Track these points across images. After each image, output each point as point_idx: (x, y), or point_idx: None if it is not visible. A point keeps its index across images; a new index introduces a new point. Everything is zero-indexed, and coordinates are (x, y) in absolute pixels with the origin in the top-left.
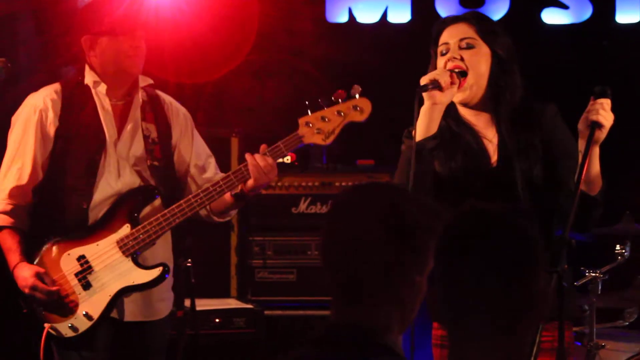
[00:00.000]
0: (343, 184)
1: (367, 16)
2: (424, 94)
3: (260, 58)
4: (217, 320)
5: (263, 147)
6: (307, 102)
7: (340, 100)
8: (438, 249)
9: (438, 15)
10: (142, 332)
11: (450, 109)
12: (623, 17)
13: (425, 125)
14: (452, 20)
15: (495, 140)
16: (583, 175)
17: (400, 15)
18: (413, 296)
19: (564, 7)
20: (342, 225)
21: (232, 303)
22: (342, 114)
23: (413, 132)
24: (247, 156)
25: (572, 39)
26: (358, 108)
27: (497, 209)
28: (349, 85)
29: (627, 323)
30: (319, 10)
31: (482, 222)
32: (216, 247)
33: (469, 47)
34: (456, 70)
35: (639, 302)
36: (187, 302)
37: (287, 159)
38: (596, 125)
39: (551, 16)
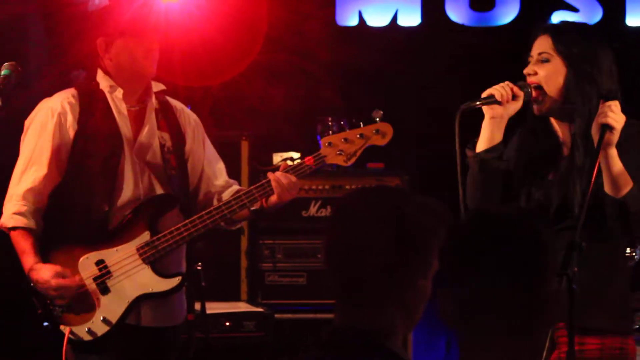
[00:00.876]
0: (353, 187)
1: (377, 19)
2: (484, 108)
3: (270, 61)
4: (227, 323)
5: (284, 164)
6: (330, 122)
7: (362, 123)
8: (449, 250)
9: (448, 19)
10: (159, 338)
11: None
12: (633, 19)
13: (486, 137)
14: (541, 30)
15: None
16: (593, 179)
17: (411, 18)
18: (417, 299)
19: (574, 10)
20: (345, 228)
21: (242, 306)
22: (364, 136)
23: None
24: (269, 174)
25: None
26: (380, 132)
27: (508, 211)
28: (365, 89)
29: (638, 326)
30: (329, 13)
31: (494, 224)
32: (226, 250)
33: (545, 61)
34: (532, 85)
35: None
36: (198, 306)
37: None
38: (607, 128)
39: (561, 19)
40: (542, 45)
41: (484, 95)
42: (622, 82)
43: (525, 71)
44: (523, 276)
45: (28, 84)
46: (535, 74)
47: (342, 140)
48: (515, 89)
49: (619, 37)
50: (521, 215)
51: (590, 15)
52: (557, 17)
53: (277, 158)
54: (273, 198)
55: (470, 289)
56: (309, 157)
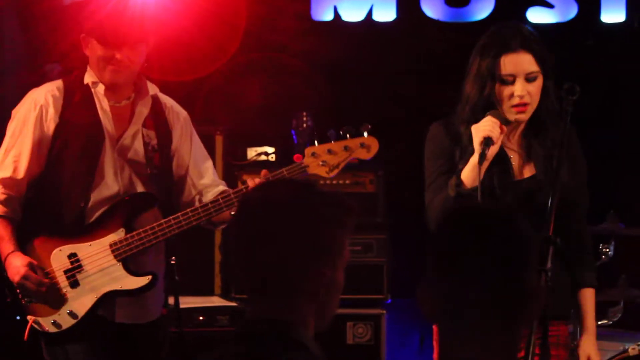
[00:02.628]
0: (327, 182)
1: (353, 14)
2: (476, 147)
3: (244, 55)
4: (200, 318)
5: (264, 172)
6: (315, 133)
7: (348, 135)
8: (432, 245)
9: (423, 14)
10: (134, 334)
11: None
12: (608, 16)
13: (475, 177)
14: (515, 47)
15: (520, 151)
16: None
17: (386, 14)
18: (327, 290)
19: (549, 6)
20: (245, 221)
21: (215, 301)
22: (348, 149)
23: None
24: (249, 180)
25: (557, 38)
26: (365, 145)
27: (490, 207)
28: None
29: (611, 322)
30: (304, 9)
31: (476, 219)
32: (200, 245)
33: (533, 79)
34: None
35: (623, 301)
36: (171, 300)
37: (272, 157)
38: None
39: (536, 15)
40: (528, 64)
41: (480, 137)
42: (597, 78)
43: (517, 93)
44: (505, 271)
45: (3, 78)
46: (527, 94)
47: (327, 151)
48: (503, 128)
49: (594, 34)
50: (502, 210)
51: (565, 11)
52: (532, 14)
53: (252, 152)
54: None
55: (451, 284)
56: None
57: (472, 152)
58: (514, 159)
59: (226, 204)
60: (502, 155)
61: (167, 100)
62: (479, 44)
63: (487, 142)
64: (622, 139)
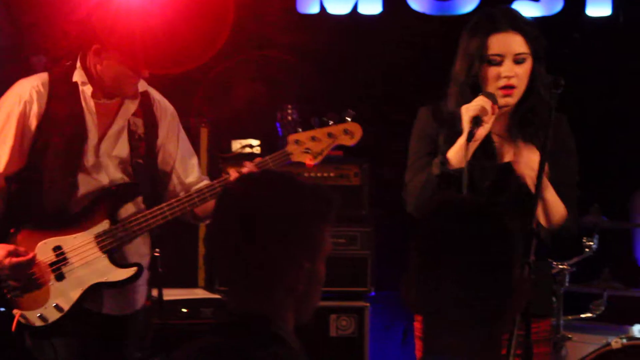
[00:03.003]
0: (311, 175)
1: (338, 7)
2: (465, 126)
3: (230, 48)
4: (184, 310)
5: (247, 163)
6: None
7: (331, 122)
8: (417, 237)
9: (409, 7)
10: (121, 324)
11: None
12: (593, 10)
13: (461, 157)
14: (504, 27)
15: (504, 135)
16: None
17: (371, 6)
18: (306, 283)
19: None
20: (224, 213)
21: (199, 293)
22: (332, 136)
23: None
24: (231, 170)
25: (543, 31)
26: (348, 132)
27: (475, 200)
28: (325, 77)
29: (594, 315)
30: (290, 2)
31: (462, 212)
32: (184, 237)
33: (521, 61)
34: (503, 95)
35: (606, 294)
36: (155, 292)
37: (257, 150)
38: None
39: (522, 9)
40: (517, 45)
41: (470, 114)
42: (583, 71)
43: (504, 74)
44: (490, 264)
45: None
46: (514, 75)
47: (310, 138)
48: (494, 107)
49: (579, 27)
50: (488, 203)
51: (551, 5)
52: (517, 6)
53: (236, 145)
54: None
55: (436, 276)
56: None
57: (458, 133)
58: (498, 142)
59: (210, 193)
60: (486, 138)
61: (155, 95)
62: (469, 24)
63: (476, 121)
64: (606, 132)
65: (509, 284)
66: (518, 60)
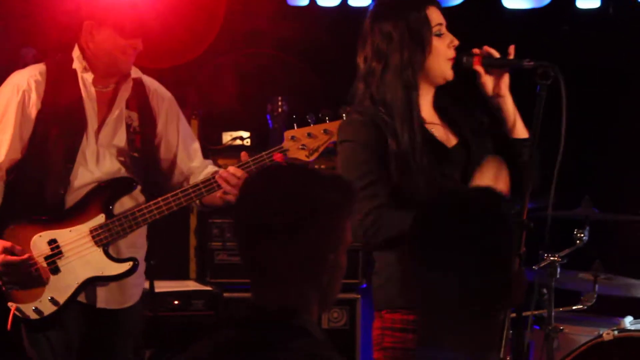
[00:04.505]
0: (315, 167)
1: None
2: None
3: (220, 40)
4: (175, 302)
5: (244, 154)
6: (294, 116)
7: (327, 118)
8: (415, 232)
9: None
10: (116, 318)
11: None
12: (583, 2)
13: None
14: (430, 2)
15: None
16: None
17: None
18: (330, 275)
19: None
20: (246, 207)
21: (191, 285)
22: (328, 132)
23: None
24: (221, 172)
25: (532, 23)
26: None
27: (473, 191)
28: (315, 68)
29: (585, 307)
30: None
31: (460, 203)
32: (175, 229)
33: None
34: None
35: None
36: (146, 284)
37: (247, 142)
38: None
39: (512, 1)
40: (441, 17)
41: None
42: (572, 64)
43: (451, 41)
44: (489, 256)
45: None
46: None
47: (306, 135)
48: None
49: (569, 20)
50: (486, 195)
51: None
52: (507, 0)
53: (227, 137)
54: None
55: (435, 270)
56: (277, 154)
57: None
58: (437, 130)
59: (206, 189)
60: (429, 137)
61: (151, 84)
62: (382, 11)
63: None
64: (596, 124)
65: (507, 277)
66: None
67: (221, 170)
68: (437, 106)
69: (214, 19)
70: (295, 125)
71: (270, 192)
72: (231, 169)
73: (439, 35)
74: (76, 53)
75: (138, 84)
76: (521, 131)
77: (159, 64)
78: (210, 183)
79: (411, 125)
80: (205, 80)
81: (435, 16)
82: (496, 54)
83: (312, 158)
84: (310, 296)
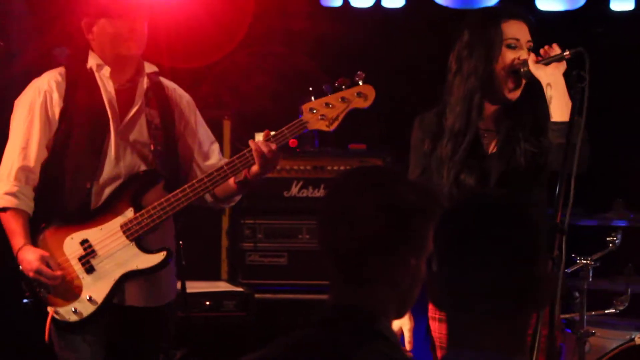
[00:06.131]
0: (335, 168)
1: (362, 0)
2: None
3: (253, 40)
4: (207, 303)
5: (266, 132)
6: (310, 89)
7: (344, 87)
8: (441, 232)
9: (432, 1)
10: (146, 317)
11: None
12: (618, 4)
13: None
14: (517, 15)
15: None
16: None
17: (395, 0)
18: (410, 279)
19: None
20: (336, 206)
21: (222, 286)
22: (346, 100)
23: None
24: (250, 142)
25: (566, 25)
26: (362, 94)
27: (501, 194)
28: (349, 70)
29: (617, 311)
30: None
31: (488, 205)
32: (207, 229)
33: (530, 50)
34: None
35: (630, 290)
36: (178, 284)
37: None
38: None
39: (546, 3)
40: (527, 33)
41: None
42: (606, 66)
43: (520, 56)
44: (516, 258)
45: (11, 61)
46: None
47: (324, 105)
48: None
49: (603, 22)
50: (513, 196)
51: None
52: (541, 1)
53: (260, 137)
54: (254, 168)
55: (461, 270)
56: (292, 140)
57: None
58: (487, 137)
59: (231, 170)
60: (476, 134)
61: (169, 84)
62: (471, 18)
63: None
64: (629, 127)
65: (533, 278)
66: (530, 48)
67: (251, 142)
68: (500, 121)
69: (244, 17)
70: (312, 97)
71: (356, 195)
72: (260, 141)
73: (513, 48)
74: (90, 53)
75: (155, 81)
76: (558, 115)
77: (191, 63)
78: (245, 156)
79: (461, 132)
80: (238, 80)
81: (511, 30)
82: (552, 52)
83: (332, 127)
84: (389, 301)
